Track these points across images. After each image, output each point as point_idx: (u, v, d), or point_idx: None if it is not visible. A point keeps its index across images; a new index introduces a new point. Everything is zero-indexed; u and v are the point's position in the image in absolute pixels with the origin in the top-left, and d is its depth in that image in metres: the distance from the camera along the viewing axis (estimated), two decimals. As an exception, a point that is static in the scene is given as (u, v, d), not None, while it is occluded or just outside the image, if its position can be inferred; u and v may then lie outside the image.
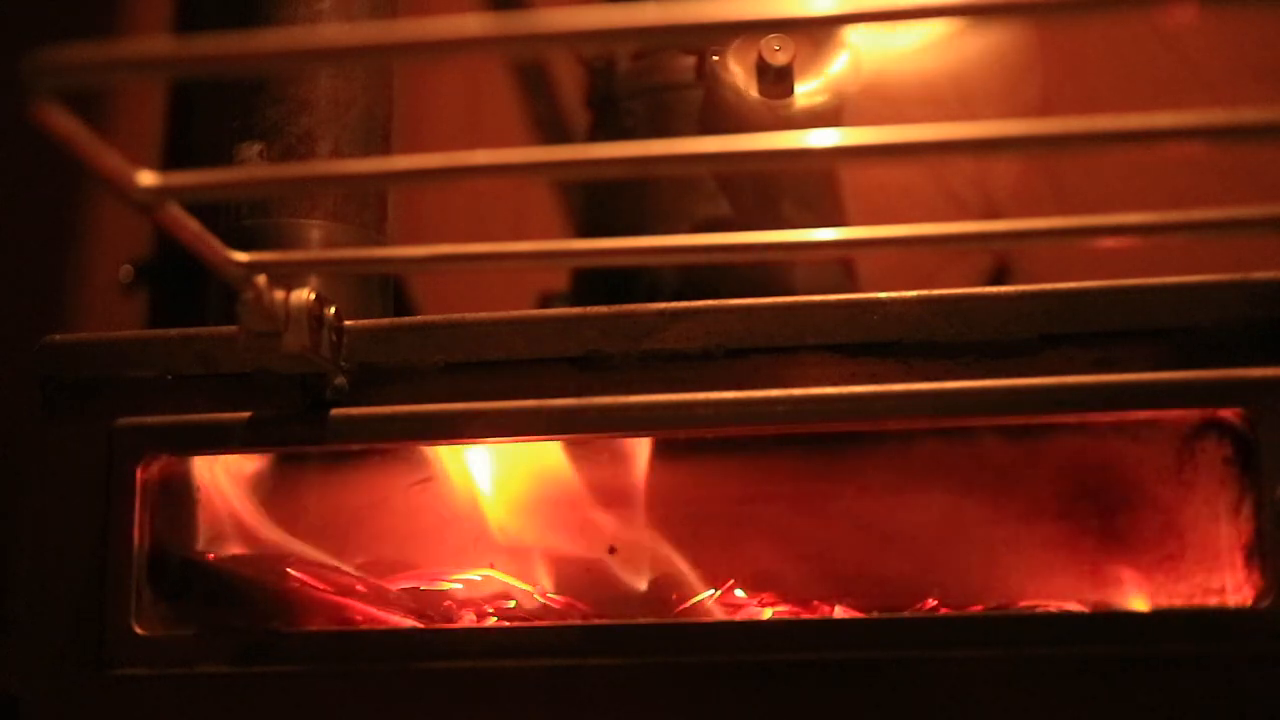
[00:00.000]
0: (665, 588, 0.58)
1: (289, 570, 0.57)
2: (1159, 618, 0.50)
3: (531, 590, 0.58)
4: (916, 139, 0.35)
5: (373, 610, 0.57)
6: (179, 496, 0.57)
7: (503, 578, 0.58)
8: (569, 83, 1.05)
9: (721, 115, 0.71)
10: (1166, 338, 0.52)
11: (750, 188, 0.74)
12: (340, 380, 0.55)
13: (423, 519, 0.60)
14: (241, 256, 0.45)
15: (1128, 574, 0.54)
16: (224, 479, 0.58)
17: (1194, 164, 0.97)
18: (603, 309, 0.55)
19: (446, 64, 1.14)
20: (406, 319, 0.57)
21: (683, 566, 0.58)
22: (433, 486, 0.59)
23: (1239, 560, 0.52)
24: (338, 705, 0.53)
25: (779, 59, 0.68)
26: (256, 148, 0.62)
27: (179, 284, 1.07)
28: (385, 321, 0.56)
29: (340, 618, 0.57)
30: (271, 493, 0.59)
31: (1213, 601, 0.53)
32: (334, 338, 0.53)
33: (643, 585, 0.58)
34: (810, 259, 0.74)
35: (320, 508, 0.60)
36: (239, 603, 0.58)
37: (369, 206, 0.64)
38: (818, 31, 0.71)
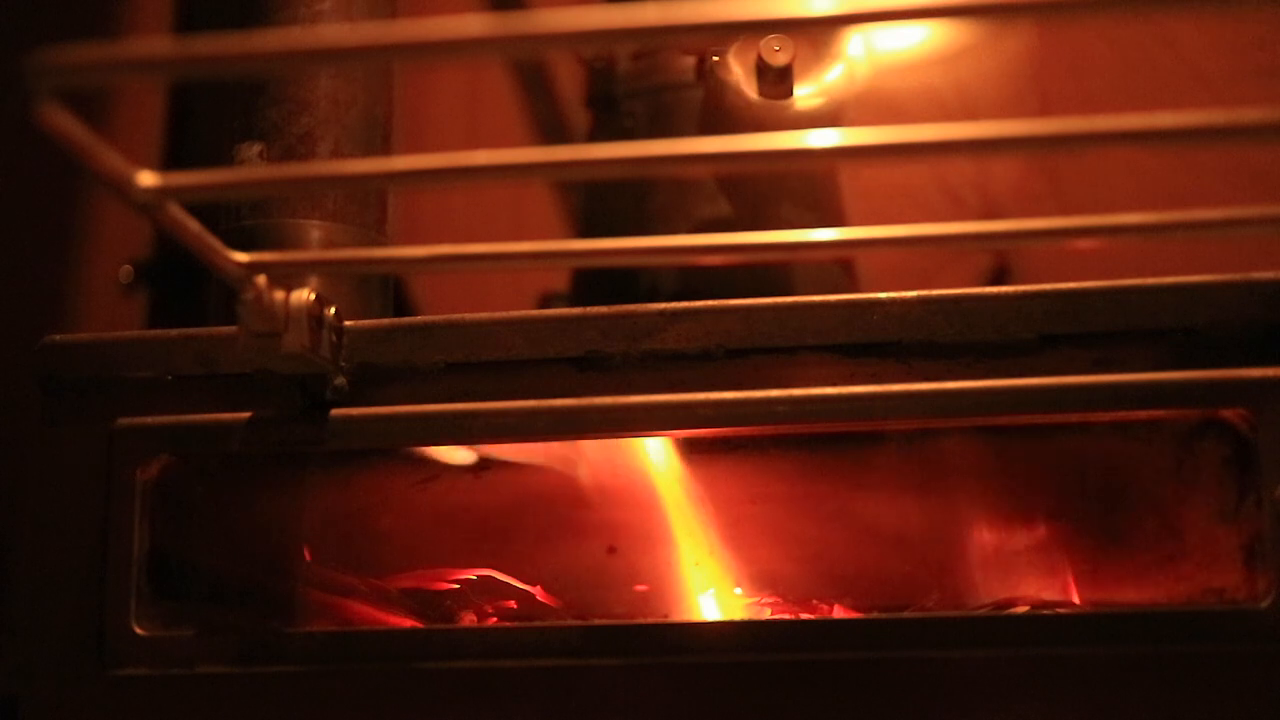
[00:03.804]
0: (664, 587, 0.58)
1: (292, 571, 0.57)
2: (1159, 618, 0.50)
3: (531, 591, 0.58)
4: (916, 139, 0.35)
5: (373, 610, 0.57)
6: (179, 496, 0.57)
7: (502, 578, 0.58)
8: (569, 83, 1.05)
9: (721, 115, 0.71)
10: (1166, 338, 0.52)
11: (750, 188, 0.75)
12: (340, 380, 0.55)
13: (425, 519, 0.60)
14: (241, 256, 0.45)
15: (1128, 574, 0.55)
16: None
17: (1194, 164, 0.97)
18: (603, 309, 0.55)
19: (446, 64, 1.14)
20: (406, 319, 0.57)
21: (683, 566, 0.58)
22: (435, 486, 0.60)
23: (1239, 560, 0.52)
24: (338, 705, 0.53)
25: (779, 59, 0.68)
26: (256, 148, 0.62)
27: (179, 284, 1.07)
28: (385, 321, 0.56)
29: (340, 618, 0.57)
30: (272, 491, 0.59)
31: (1213, 601, 0.53)
32: (334, 338, 0.53)
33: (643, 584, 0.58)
34: (810, 259, 0.74)
35: (323, 507, 0.60)
36: (239, 603, 0.58)
37: (369, 206, 0.64)
38: (818, 32, 0.71)
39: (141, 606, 0.55)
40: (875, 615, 0.55)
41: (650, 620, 0.57)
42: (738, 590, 0.58)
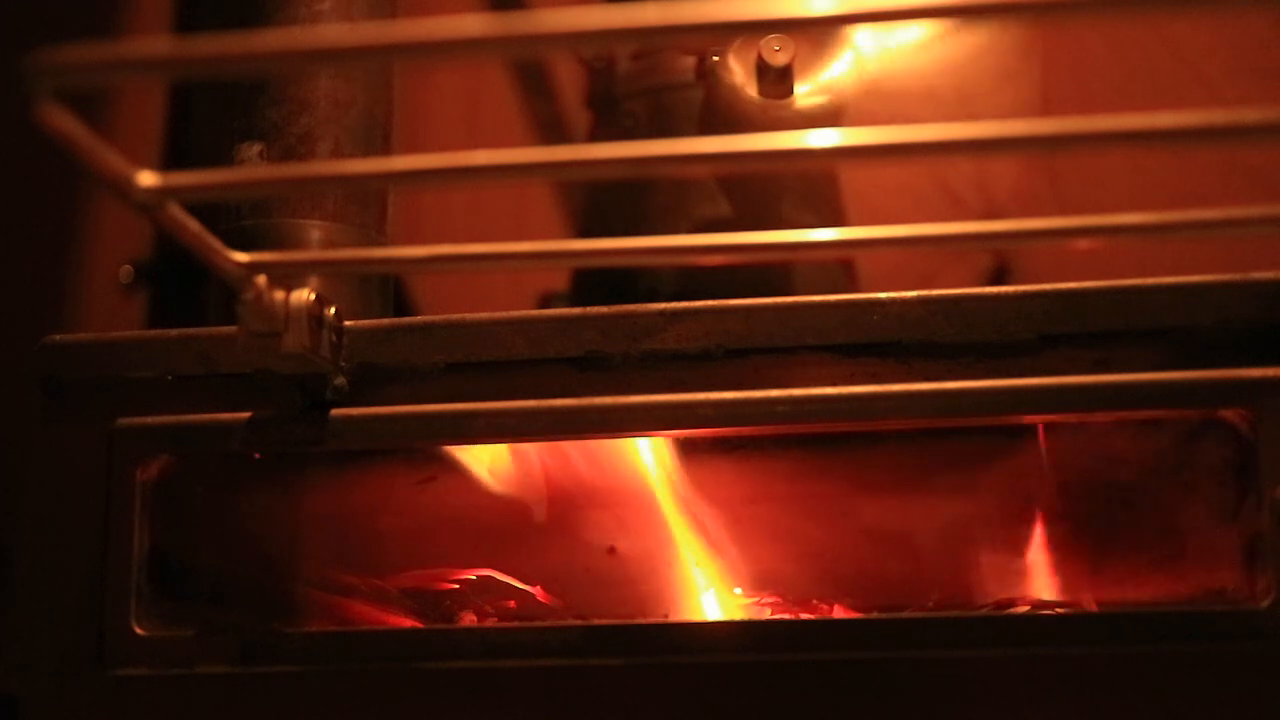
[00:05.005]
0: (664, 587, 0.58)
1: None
2: (1159, 618, 0.50)
3: (531, 591, 0.58)
4: (916, 139, 0.35)
5: (373, 610, 0.57)
6: (179, 496, 0.57)
7: (502, 578, 0.58)
8: (569, 83, 1.05)
9: (721, 116, 0.71)
10: (1166, 338, 0.52)
11: (750, 188, 0.75)
12: (340, 380, 0.55)
13: (425, 519, 0.60)
14: (241, 257, 0.45)
15: (1128, 574, 0.55)
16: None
17: (1194, 164, 0.97)
18: (603, 309, 0.55)
19: (446, 64, 1.14)
20: (406, 319, 0.57)
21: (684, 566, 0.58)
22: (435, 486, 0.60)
23: (1239, 560, 0.52)
24: (338, 705, 0.53)
25: (779, 59, 0.68)
26: (256, 148, 0.62)
27: (179, 284, 1.07)
28: (385, 321, 0.56)
29: (340, 618, 0.57)
30: (272, 491, 0.59)
31: (1213, 601, 0.53)
32: (334, 338, 0.53)
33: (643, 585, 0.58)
34: (810, 259, 0.74)
35: (322, 507, 0.60)
36: (239, 603, 0.58)
37: (369, 206, 0.64)
38: (818, 31, 0.71)
39: (141, 606, 0.55)
40: (875, 615, 0.55)
41: (650, 620, 0.57)
42: (738, 590, 0.58)
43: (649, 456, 0.58)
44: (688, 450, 0.58)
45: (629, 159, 0.40)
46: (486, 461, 0.59)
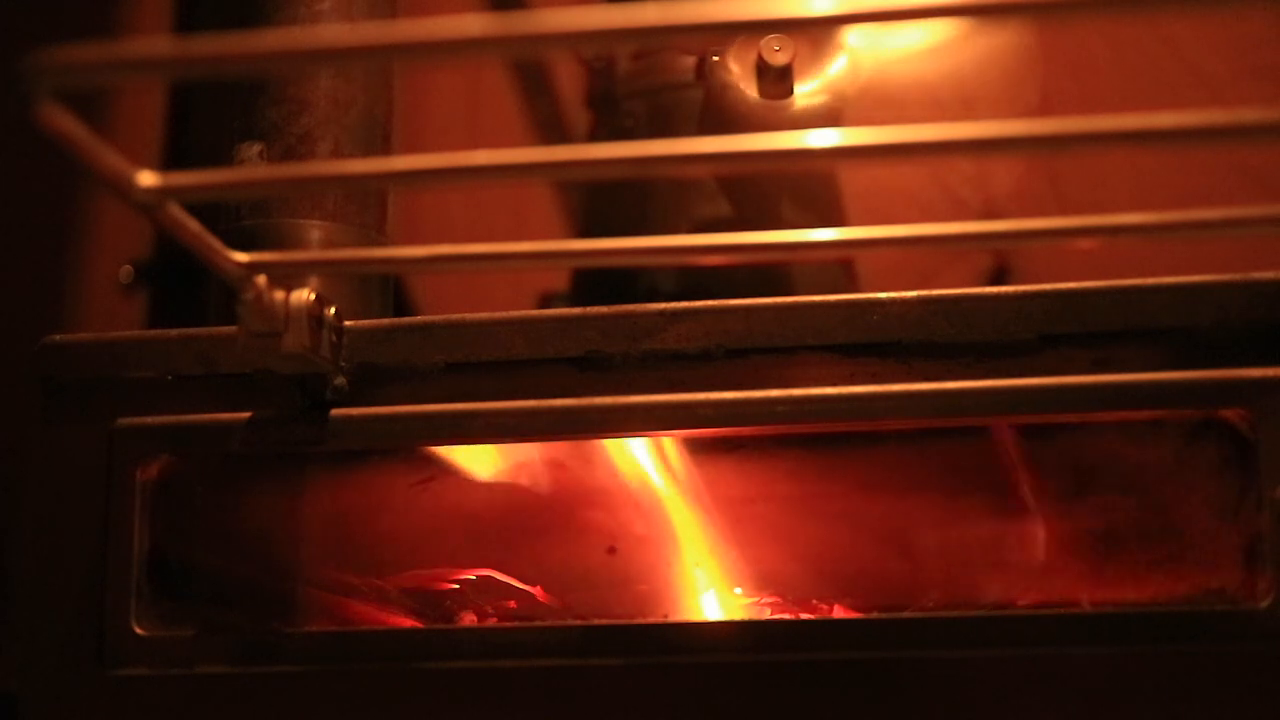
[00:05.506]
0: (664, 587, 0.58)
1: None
2: (1159, 618, 0.50)
3: (531, 591, 0.58)
4: (916, 139, 0.35)
5: (373, 610, 0.57)
6: (179, 496, 0.57)
7: (502, 578, 0.58)
8: (569, 83, 1.05)
9: (721, 115, 0.71)
10: (1166, 338, 0.52)
11: (750, 188, 0.75)
12: (340, 380, 0.55)
13: (424, 519, 0.60)
14: (241, 257, 0.45)
15: (1128, 574, 0.55)
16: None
17: (1194, 164, 0.97)
18: (603, 309, 0.55)
19: (446, 64, 1.14)
20: (406, 319, 0.57)
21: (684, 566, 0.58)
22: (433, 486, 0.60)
23: (1239, 560, 0.52)
24: (338, 705, 0.53)
25: (779, 59, 0.68)
26: (256, 148, 0.62)
27: (179, 284, 1.07)
28: (385, 321, 0.56)
29: (340, 618, 0.57)
30: (272, 491, 0.59)
31: (1213, 601, 0.53)
32: (334, 338, 0.53)
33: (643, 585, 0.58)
34: (810, 259, 0.74)
35: (322, 507, 0.60)
36: (239, 603, 0.58)
37: (369, 206, 0.64)
38: (818, 31, 0.71)
39: (141, 606, 0.55)
40: (875, 615, 0.55)
41: (650, 620, 0.57)
42: (738, 590, 0.58)
43: (649, 456, 0.58)
44: (688, 450, 0.58)
45: (629, 159, 0.40)
46: (488, 459, 0.59)
